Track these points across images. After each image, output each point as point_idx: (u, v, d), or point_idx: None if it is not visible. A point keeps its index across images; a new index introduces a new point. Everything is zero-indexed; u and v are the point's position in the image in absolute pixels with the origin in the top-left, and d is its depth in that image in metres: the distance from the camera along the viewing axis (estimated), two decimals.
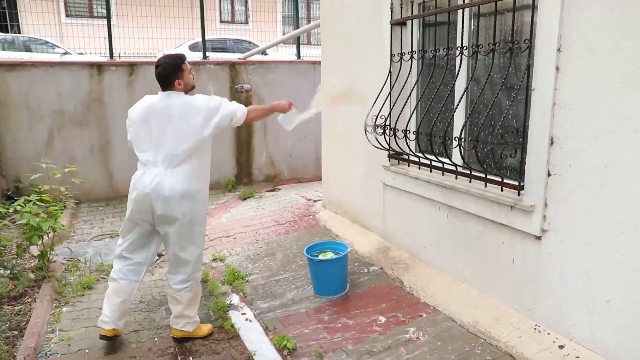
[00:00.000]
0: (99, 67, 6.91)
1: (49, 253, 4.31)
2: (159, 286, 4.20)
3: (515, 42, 2.82)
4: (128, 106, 7.50)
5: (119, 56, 8.90)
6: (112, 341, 3.19)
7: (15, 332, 3.28)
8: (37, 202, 4.15)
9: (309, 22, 16.18)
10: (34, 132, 6.66)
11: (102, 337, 3.16)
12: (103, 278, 4.34)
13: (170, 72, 2.98)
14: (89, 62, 7.07)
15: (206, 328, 3.34)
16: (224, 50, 12.22)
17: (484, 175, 3.13)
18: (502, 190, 3.01)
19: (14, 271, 4.07)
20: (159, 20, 9.76)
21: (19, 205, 4.13)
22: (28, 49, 11.05)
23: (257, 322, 3.50)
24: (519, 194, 2.91)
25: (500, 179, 3.02)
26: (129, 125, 3.12)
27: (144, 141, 3.00)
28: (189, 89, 3.10)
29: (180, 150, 2.92)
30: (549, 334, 2.79)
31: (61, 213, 4.50)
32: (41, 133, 6.70)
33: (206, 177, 3.15)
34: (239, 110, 3.11)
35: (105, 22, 7.64)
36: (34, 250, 4.51)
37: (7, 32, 10.94)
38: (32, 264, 4.41)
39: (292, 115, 3.49)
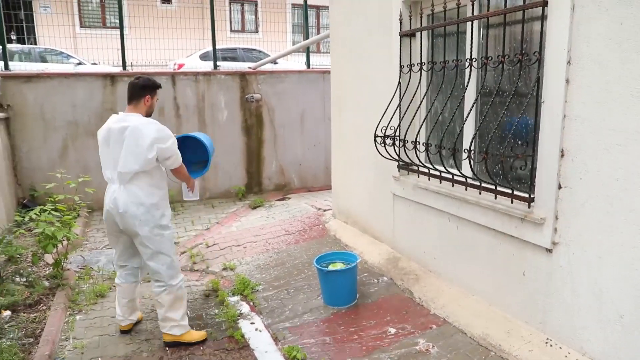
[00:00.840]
0: (112, 77, 7.03)
1: (63, 261, 4.38)
2: None
3: (525, 54, 2.83)
4: None
5: (131, 66, 9.04)
6: (130, 332, 3.55)
7: (31, 340, 3.33)
8: (51, 212, 4.22)
9: (318, 31, 16.32)
10: (49, 142, 6.78)
11: (122, 331, 3.54)
12: (115, 286, 4.39)
13: (147, 86, 3.22)
14: (103, 73, 7.19)
15: (197, 334, 3.43)
16: (234, 59, 12.34)
17: (494, 187, 3.12)
18: (512, 202, 3.01)
19: (30, 279, 4.14)
20: (170, 31, 9.90)
21: (34, 214, 4.21)
22: (44, 60, 11.26)
23: (266, 332, 3.52)
24: (529, 206, 2.90)
25: (510, 191, 3.01)
26: (99, 145, 3.28)
27: (105, 159, 3.22)
28: (149, 113, 3.29)
29: (129, 169, 3.09)
30: (560, 348, 2.77)
31: (75, 222, 4.58)
32: (56, 143, 6.82)
33: (161, 190, 3.29)
34: (174, 158, 3.22)
35: (117, 32, 7.77)
36: (49, 258, 4.59)
37: (24, 43, 11.16)
38: (47, 272, 4.48)
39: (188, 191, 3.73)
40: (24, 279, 4.14)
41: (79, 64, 11.33)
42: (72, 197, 4.65)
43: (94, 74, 7.21)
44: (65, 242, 4.36)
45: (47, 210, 4.22)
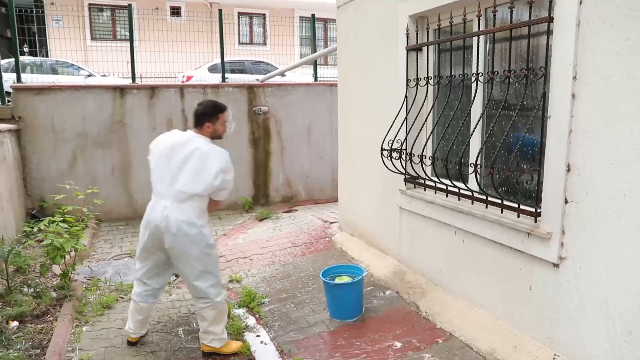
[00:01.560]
0: (121, 90, 7.13)
1: (70, 272, 4.41)
2: (176, 307, 4.25)
3: (531, 69, 2.85)
4: (149, 128, 7.76)
5: (140, 78, 9.16)
6: (137, 344, 3.54)
7: (38, 351, 3.35)
8: (60, 223, 4.27)
9: (326, 43, 16.44)
10: (59, 154, 6.87)
11: (129, 342, 3.53)
12: (122, 298, 4.42)
13: (206, 113, 3.24)
14: (112, 86, 7.30)
15: (235, 345, 3.43)
16: (242, 71, 12.46)
17: (500, 201, 3.12)
18: (518, 216, 3.00)
19: (37, 290, 4.17)
20: (179, 43, 10.04)
21: (43, 225, 4.26)
22: (55, 72, 11.43)
23: (272, 345, 3.52)
24: (535, 221, 2.89)
25: (516, 205, 3.01)
26: (151, 155, 3.27)
27: (162, 172, 3.16)
28: (215, 137, 3.30)
29: (192, 190, 3.11)
30: None
31: (83, 233, 4.62)
32: (65, 155, 6.91)
33: (206, 212, 3.32)
34: (228, 191, 3.32)
35: (127, 44, 7.89)
36: (57, 269, 4.62)
37: (37, 56, 11.36)
38: (55, 283, 4.51)
39: None
40: (32, 290, 4.17)
41: (89, 75, 11.50)
42: (81, 208, 4.70)
43: (103, 86, 7.31)
44: (73, 253, 4.39)
45: (55, 221, 4.26)
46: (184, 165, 3.10)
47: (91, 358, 3.34)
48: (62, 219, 4.32)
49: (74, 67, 11.96)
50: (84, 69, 11.94)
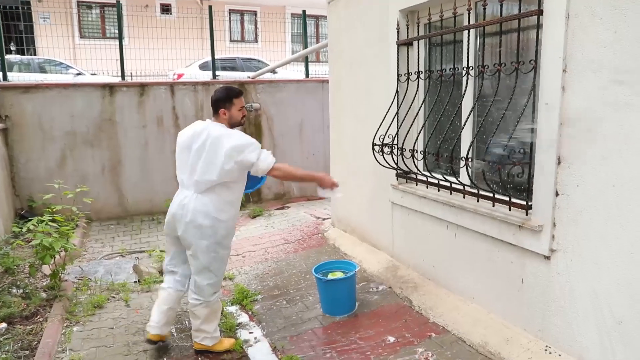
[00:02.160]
0: (110, 88, 7.06)
1: (60, 272, 4.36)
2: None
3: (521, 62, 2.85)
4: (139, 126, 7.71)
5: (131, 76, 9.08)
6: (156, 344, 3.39)
7: (27, 352, 3.30)
8: (49, 223, 4.21)
9: (317, 40, 16.40)
10: (47, 153, 6.80)
11: (148, 340, 3.35)
12: (113, 297, 4.38)
13: (220, 99, 3.15)
14: (101, 84, 7.22)
15: (227, 343, 3.40)
16: (233, 69, 12.40)
17: (491, 195, 3.12)
18: (510, 209, 3.01)
19: (27, 290, 4.12)
20: (170, 41, 9.95)
21: (32, 225, 4.20)
22: (43, 70, 11.30)
23: (265, 342, 3.50)
24: (527, 214, 2.90)
25: (508, 199, 3.01)
26: (176, 148, 3.26)
27: (183, 163, 3.16)
28: (233, 124, 3.19)
29: (207, 179, 3.03)
30: (560, 355, 2.75)
31: (73, 232, 4.57)
32: (54, 153, 6.83)
33: (233, 208, 3.20)
34: (263, 162, 3.05)
35: (117, 42, 7.81)
36: (46, 269, 4.57)
37: (24, 54, 11.21)
38: (44, 283, 4.46)
39: (330, 192, 3.44)
40: (21, 291, 4.12)
41: (78, 74, 11.38)
42: (70, 207, 4.64)
43: (92, 84, 7.24)
44: (62, 253, 4.34)
45: (44, 221, 4.20)
46: (200, 155, 3.04)
47: (82, 358, 3.31)
48: (51, 218, 4.27)
49: (62, 66, 11.82)
50: (72, 68, 11.81)
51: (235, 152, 2.99)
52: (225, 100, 3.14)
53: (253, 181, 3.52)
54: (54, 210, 4.45)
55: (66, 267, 4.55)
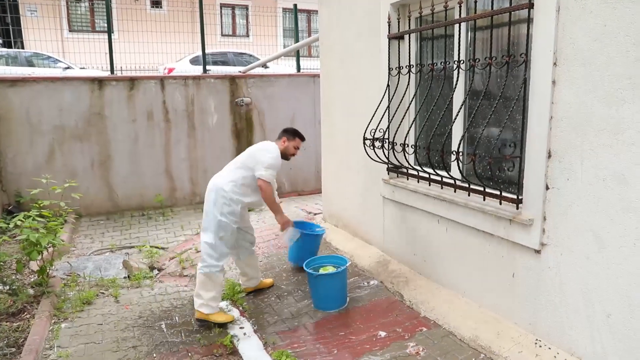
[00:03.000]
0: (99, 82, 6.97)
1: (48, 268, 4.30)
2: (158, 301, 4.18)
3: (512, 55, 2.84)
4: (129, 120, 7.62)
5: (121, 70, 8.97)
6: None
7: (13, 349, 3.26)
8: (36, 218, 4.15)
9: (309, 35, 16.32)
10: (35, 147, 6.70)
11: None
12: (102, 293, 4.34)
13: (288, 131, 3.99)
14: (90, 77, 7.13)
15: (223, 317, 3.65)
16: (225, 63, 12.30)
17: (482, 189, 3.12)
18: (500, 203, 3.01)
19: (13, 287, 4.06)
20: (160, 35, 9.85)
21: (19, 220, 4.14)
22: (31, 64, 11.14)
23: (256, 337, 3.48)
24: (517, 208, 2.90)
25: (498, 193, 3.01)
26: None
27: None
28: (284, 154, 3.89)
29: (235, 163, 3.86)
30: (549, 348, 2.76)
31: (61, 228, 4.51)
32: (42, 148, 6.74)
33: (247, 196, 3.74)
34: (265, 172, 3.69)
35: (106, 36, 7.71)
36: (34, 265, 4.51)
37: (11, 47, 11.04)
38: (32, 280, 4.41)
39: (290, 232, 4.08)
40: (7, 287, 4.06)
41: (67, 68, 11.24)
42: (58, 202, 4.58)
43: (81, 78, 7.14)
44: (50, 249, 4.28)
45: (31, 216, 4.14)
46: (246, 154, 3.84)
47: (70, 355, 3.27)
48: (38, 213, 4.21)
49: (51, 60, 11.66)
50: (61, 62, 11.65)
51: (261, 152, 3.76)
52: (291, 134, 3.95)
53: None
54: (42, 205, 4.39)
55: (54, 263, 4.50)
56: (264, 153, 3.73)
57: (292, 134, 3.96)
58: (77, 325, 3.69)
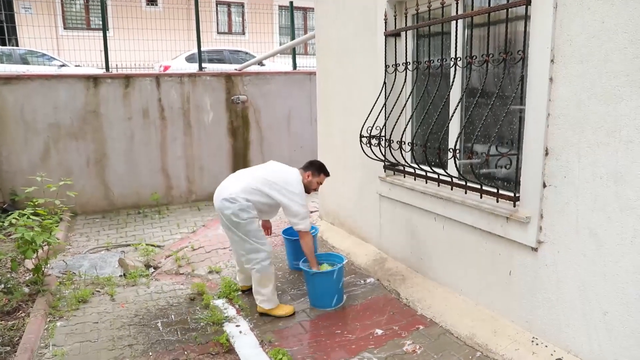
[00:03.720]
0: (94, 79, 6.92)
1: (43, 267, 4.27)
2: (154, 299, 4.16)
3: (509, 53, 2.83)
4: (124, 118, 7.59)
5: (116, 68, 8.92)
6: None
7: (8, 348, 3.23)
8: (31, 216, 4.12)
9: (305, 32, 16.29)
10: (30, 145, 6.65)
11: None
12: (98, 291, 4.31)
13: (314, 165, 3.88)
14: (85, 75, 7.07)
15: (285, 309, 3.72)
16: (220, 61, 12.25)
17: (479, 187, 3.12)
18: (497, 201, 3.00)
19: (8, 285, 4.03)
20: (156, 32, 9.80)
21: (13, 218, 4.10)
22: (25, 62, 11.05)
23: (252, 335, 3.47)
24: (514, 205, 2.90)
25: (495, 190, 3.01)
26: None
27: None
28: (306, 187, 3.78)
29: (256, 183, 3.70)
30: (546, 346, 2.76)
31: (56, 226, 4.47)
32: (37, 146, 6.69)
33: (257, 212, 3.65)
34: (303, 225, 3.67)
35: (102, 33, 7.65)
36: (29, 264, 4.48)
37: (5, 45, 10.95)
38: (27, 278, 4.37)
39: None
40: (2, 286, 4.03)
41: (62, 66, 11.15)
42: (53, 200, 4.55)
43: (76, 76, 7.08)
44: (46, 247, 4.25)
45: (26, 214, 4.11)
46: (265, 170, 3.81)
47: (65, 353, 3.25)
48: (33, 211, 4.17)
49: (45, 57, 11.58)
50: (56, 59, 11.57)
51: (284, 187, 3.66)
52: (317, 169, 3.84)
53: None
54: (37, 203, 4.35)
55: (49, 262, 4.47)
56: (291, 195, 3.62)
57: (318, 169, 3.86)
58: (72, 324, 3.66)
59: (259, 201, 3.61)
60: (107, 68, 7.62)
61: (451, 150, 3.08)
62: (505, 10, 2.82)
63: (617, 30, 2.26)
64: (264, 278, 3.65)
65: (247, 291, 4.12)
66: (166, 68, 11.16)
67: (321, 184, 3.92)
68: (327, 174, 3.91)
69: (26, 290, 4.08)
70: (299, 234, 3.71)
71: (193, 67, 9.87)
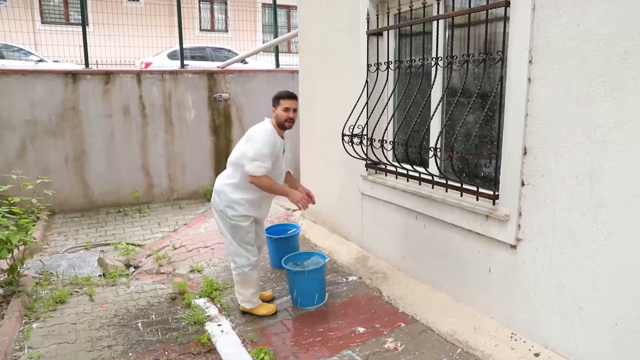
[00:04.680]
0: (73, 75, 6.79)
1: (19, 267, 4.18)
2: (134, 299, 4.11)
3: (489, 53, 2.87)
4: (104, 115, 7.47)
5: (97, 64, 8.77)
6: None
7: None
8: (6, 215, 4.03)
9: (288, 31, 16.23)
10: (5, 143, 6.50)
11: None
12: (76, 292, 4.23)
13: (272, 99, 3.47)
14: (64, 71, 6.94)
15: (268, 308, 3.70)
16: (203, 58, 12.13)
17: (459, 185, 3.15)
18: (477, 199, 3.04)
19: None
20: (138, 28, 9.67)
21: None
22: (1, 57, 10.79)
23: (234, 334, 3.45)
24: (494, 204, 2.94)
25: (475, 189, 3.04)
26: None
27: None
28: (280, 123, 3.41)
29: (229, 160, 3.51)
30: (525, 342, 2.81)
31: (33, 225, 4.38)
32: (13, 143, 6.54)
33: (247, 192, 3.42)
34: (250, 166, 3.29)
35: (81, 28, 7.51)
36: (4, 264, 4.37)
37: None
38: (1, 279, 4.27)
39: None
40: None
41: (40, 61, 10.91)
42: (30, 199, 4.45)
43: (54, 71, 6.94)
44: (22, 247, 4.16)
45: (0, 213, 4.01)
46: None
47: (42, 356, 3.18)
48: (7, 210, 4.08)
49: (22, 52, 11.32)
50: (34, 54, 11.32)
51: (247, 139, 3.39)
52: (274, 100, 3.46)
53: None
54: (12, 202, 4.26)
55: (26, 262, 4.37)
56: (248, 144, 3.32)
57: (274, 99, 3.44)
58: (49, 325, 3.59)
59: (242, 178, 3.35)
60: (87, 64, 7.49)
61: (432, 149, 3.11)
62: (485, 11, 2.86)
63: (591, 32, 2.31)
64: (244, 281, 3.61)
65: (229, 288, 4.09)
66: (148, 65, 11.00)
67: (289, 109, 3.36)
68: (283, 97, 3.39)
69: (0, 291, 3.98)
70: (251, 182, 3.33)
71: (175, 64, 9.76)
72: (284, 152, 3.51)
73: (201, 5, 17.36)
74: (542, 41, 2.55)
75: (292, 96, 3.44)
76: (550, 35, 2.50)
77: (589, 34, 2.32)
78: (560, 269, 2.59)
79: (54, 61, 10.75)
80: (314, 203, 3.62)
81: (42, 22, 14.39)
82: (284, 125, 3.41)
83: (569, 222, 2.52)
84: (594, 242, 2.41)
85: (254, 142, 3.31)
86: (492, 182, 3.02)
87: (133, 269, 5.11)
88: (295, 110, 3.42)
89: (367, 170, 4.20)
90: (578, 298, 2.51)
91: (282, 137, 3.46)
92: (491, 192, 2.96)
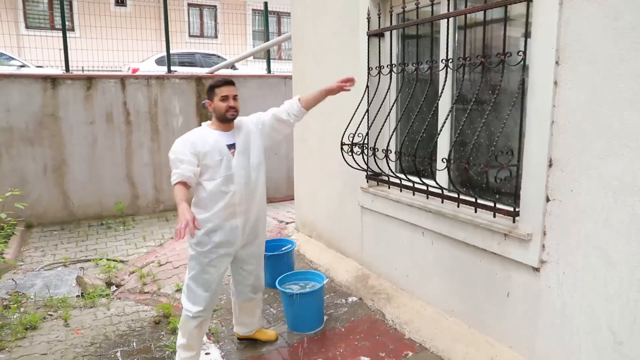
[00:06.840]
0: (53, 80, 6.43)
1: None
2: (114, 323, 3.75)
3: (508, 54, 2.58)
4: (86, 122, 7.11)
5: (82, 69, 8.40)
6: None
7: None
8: None
9: (279, 36, 15.97)
10: None
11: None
12: (50, 315, 3.86)
13: (207, 92, 2.96)
14: (42, 75, 6.57)
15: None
16: (192, 64, 11.81)
17: (474, 200, 2.85)
18: (494, 216, 2.74)
19: None
20: (125, 32, 9.32)
21: None
22: None
23: None
24: (514, 221, 2.64)
25: (492, 204, 2.74)
26: None
27: None
28: (219, 117, 2.89)
29: None
30: None
31: (4, 242, 4.01)
32: None
33: (200, 209, 2.84)
34: (172, 171, 2.75)
35: (67, 33, 7.15)
36: None
37: None
38: None
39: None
40: None
41: (22, 66, 10.50)
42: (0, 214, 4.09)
43: (31, 76, 6.57)
44: None
45: None
46: None
47: None
48: None
49: (4, 57, 10.89)
50: (15, 59, 10.90)
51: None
52: (208, 92, 2.93)
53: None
54: None
55: None
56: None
57: (208, 91, 2.94)
58: (15, 357, 3.21)
59: (197, 191, 2.85)
60: (67, 68, 7.12)
61: (443, 160, 2.81)
62: (504, 7, 2.57)
63: (631, 27, 2.02)
64: (183, 325, 2.93)
65: (246, 340, 3.40)
66: (135, 71, 10.63)
67: (228, 97, 2.86)
68: (218, 85, 2.88)
69: None
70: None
71: (163, 70, 9.43)
72: (236, 150, 2.91)
73: (190, 10, 17.05)
74: (571, 39, 2.26)
75: (228, 82, 2.94)
76: (581, 32, 2.22)
77: (631, 28, 2.03)
78: (593, 297, 2.29)
79: (37, 66, 10.35)
80: (192, 236, 2.58)
81: (27, 27, 13.97)
82: (225, 117, 2.85)
83: (603, 244, 2.23)
84: (633, 267, 2.11)
85: (172, 149, 2.79)
86: (511, 197, 2.72)
87: (115, 288, 4.75)
88: (235, 97, 2.90)
89: (367, 181, 3.89)
90: (615, 331, 2.21)
91: (229, 130, 2.93)
92: (511, 209, 2.66)
